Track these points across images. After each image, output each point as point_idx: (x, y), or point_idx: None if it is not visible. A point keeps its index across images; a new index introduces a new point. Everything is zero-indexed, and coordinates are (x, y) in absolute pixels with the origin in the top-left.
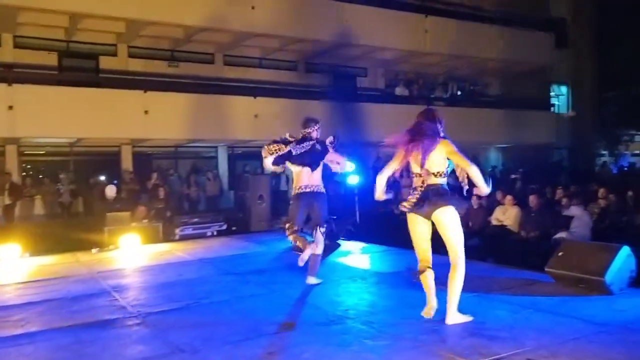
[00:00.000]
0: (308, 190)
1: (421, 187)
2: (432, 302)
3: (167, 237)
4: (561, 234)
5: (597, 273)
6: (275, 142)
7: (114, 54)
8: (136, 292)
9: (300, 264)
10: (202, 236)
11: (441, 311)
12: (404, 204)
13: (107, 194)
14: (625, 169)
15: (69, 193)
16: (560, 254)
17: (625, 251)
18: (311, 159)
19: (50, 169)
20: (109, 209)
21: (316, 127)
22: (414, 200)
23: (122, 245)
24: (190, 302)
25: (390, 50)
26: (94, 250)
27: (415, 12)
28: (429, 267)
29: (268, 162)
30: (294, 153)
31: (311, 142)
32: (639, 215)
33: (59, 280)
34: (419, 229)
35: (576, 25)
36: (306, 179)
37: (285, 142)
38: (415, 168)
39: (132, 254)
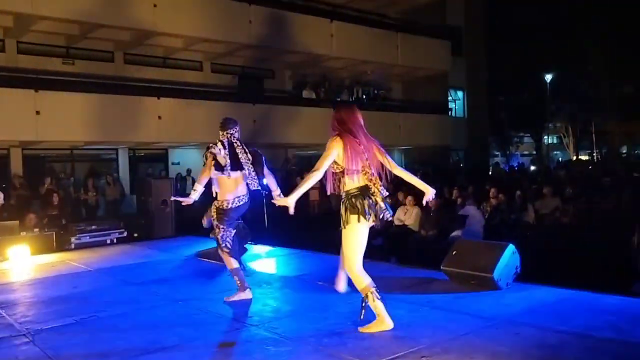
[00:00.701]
0: (242, 203)
1: (374, 192)
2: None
3: (62, 247)
4: (457, 232)
5: (486, 270)
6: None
7: (2, 50)
8: (25, 308)
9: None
10: (101, 244)
11: (345, 313)
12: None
13: None
14: (515, 168)
15: None
16: (454, 252)
17: (510, 249)
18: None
19: None
20: None
21: (237, 129)
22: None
23: (10, 256)
24: (85, 317)
25: (297, 53)
26: None
27: (322, 16)
28: None
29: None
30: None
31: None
32: (525, 212)
33: None
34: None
35: (470, 35)
36: (238, 187)
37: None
38: (366, 168)
39: (21, 266)
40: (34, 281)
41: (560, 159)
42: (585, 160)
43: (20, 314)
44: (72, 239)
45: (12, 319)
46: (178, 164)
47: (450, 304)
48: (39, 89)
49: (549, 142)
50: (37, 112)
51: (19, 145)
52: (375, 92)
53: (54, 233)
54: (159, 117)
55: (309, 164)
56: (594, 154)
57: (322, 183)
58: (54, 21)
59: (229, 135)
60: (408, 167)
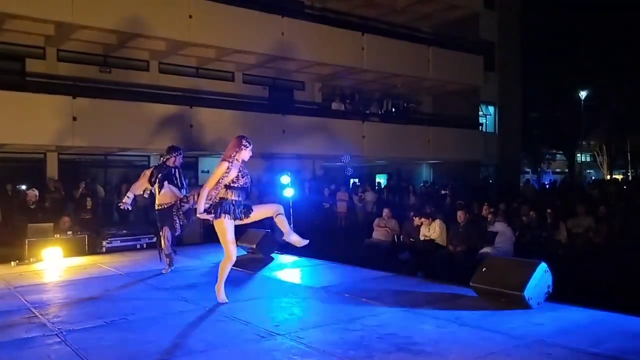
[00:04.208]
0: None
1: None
2: None
3: (93, 250)
4: (486, 249)
5: (517, 288)
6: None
7: (42, 57)
8: (57, 309)
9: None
10: (131, 249)
11: (371, 326)
12: None
13: (29, 196)
14: (547, 186)
15: None
16: (483, 269)
17: (542, 267)
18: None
19: None
20: (30, 219)
21: (175, 154)
22: None
23: (44, 258)
24: (115, 319)
25: (328, 65)
26: (13, 263)
27: (353, 29)
28: None
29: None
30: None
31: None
32: (557, 231)
33: None
34: None
35: (503, 49)
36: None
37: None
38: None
39: (54, 267)
40: (66, 283)
41: (593, 177)
42: (619, 179)
43: (52, 314)
44: (104, 243)
45: (45, 319)
46: (207, 172)
47: (478, 321)
48: (77, 96)
49: (582, 159)
50: (74, 118)
51: (55, 150)
52: (405, 105)
53: (86, 236)
54: (191, 126)
55: (336, 176)
56: (629, 174)
57: (349, 195)
58: (92, 30)
59: (165, 159)
60: (436, 182)
